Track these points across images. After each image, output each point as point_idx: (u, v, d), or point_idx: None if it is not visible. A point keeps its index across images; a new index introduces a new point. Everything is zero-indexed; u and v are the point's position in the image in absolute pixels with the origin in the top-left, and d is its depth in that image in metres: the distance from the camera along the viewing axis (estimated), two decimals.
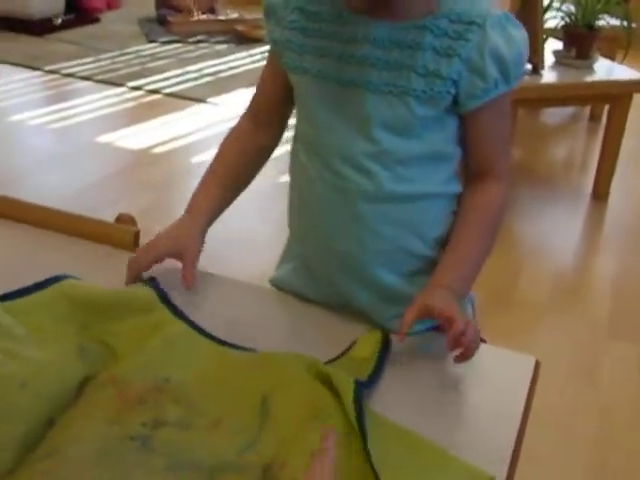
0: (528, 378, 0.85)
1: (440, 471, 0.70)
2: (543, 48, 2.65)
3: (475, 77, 0.85)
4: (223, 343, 0.84)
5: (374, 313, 0.92)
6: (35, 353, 0.77)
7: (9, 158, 2.99)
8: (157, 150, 3.13)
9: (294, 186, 0.99)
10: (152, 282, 0.91)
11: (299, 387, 0.77)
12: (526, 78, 2.64)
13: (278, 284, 1.03)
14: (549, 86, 2.69)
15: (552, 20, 2.95)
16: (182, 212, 1.00)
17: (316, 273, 0.97)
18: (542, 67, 2.65)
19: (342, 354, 0.84)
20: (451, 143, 0.91)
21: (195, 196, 1.00)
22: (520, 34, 0.87)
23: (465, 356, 0.83)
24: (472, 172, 0.93)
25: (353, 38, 0.87)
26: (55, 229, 1.07)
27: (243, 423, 0.73)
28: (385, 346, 0.85)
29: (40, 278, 0.90)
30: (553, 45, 2.92)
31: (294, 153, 0.98)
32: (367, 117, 0.87)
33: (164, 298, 0.88)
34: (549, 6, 2.86)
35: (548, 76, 2.71)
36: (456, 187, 0.94)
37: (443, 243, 0.93)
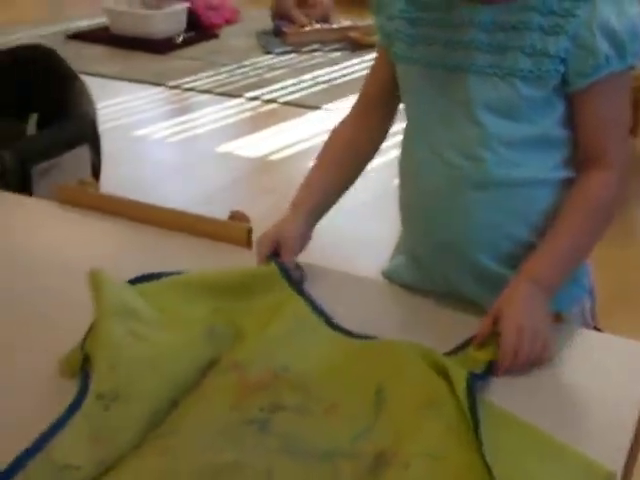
0: None
1: (556, 463, 0.68)
2: None
3: (584, 53, 0.81)
4: (341, 329, 0.85)
5: (484, 303, 0.90)
6: (165, 336, 0.81)
7: (135, 170, 3.13)
8: (274, 157, 3.20)
9: (403, 180, 0.98)
10: (275, 259, 0.92)
11: (414, 376, 0.77)
12: None
13: (390, 276, 1.03)
14: None
15: None
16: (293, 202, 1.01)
17: (425, 264, 0.96)
18: None
19: (458, 348, 0.83)
20: (561, 127, 0.87)
21: (299, 191, 1.01)
22: (634, 7, 0.82)
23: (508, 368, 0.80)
24: (581, 159, 0.89)
25: (459, 24, 0.86)
26: (173, 228, 1.12)
27: (358, 411, 0.74)
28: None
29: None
30: None
31: (403, 147, 0.98)
32: (473, 101, 0.86)
33: (286, 275, 0.90)
34: None
35: None
36: (567, 174, 0.90)
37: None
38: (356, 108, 1.03)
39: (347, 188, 1.03)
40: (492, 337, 0.83)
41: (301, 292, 0.89)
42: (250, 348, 0.81)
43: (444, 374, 0.76)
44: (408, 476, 0.65)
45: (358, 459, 0.68)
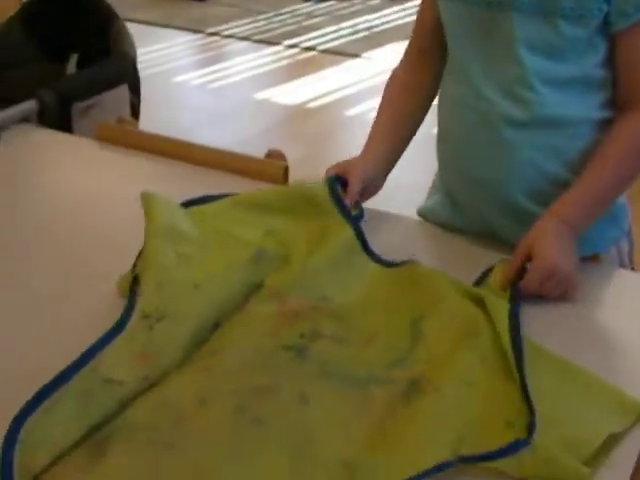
0: None
1: (592, 397, 0.69)
2: None
3: None
4: (382, 262, 0.87)
5: (518, 241, 0.90)
6: (212, 258, 0.82)
7: (174, 116, 3.15)
8: (312, 105, 3.19)
9: (441, 117, 0.97)
10: (331, 180, 0.92)
11: (451, 307, 0.78)
12: None
13: (425, 215, 1.03)
14: None
15: None
16: (336, 162, 0.99)
17: (460, 202, 0.96)
18: None
19: (480, 280, 0.84)
20: (603, 67, 0.86)
21: (367, 140, 1.00)
22: None
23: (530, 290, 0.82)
24: (622, 100, 0.87)
25: None
26: (212, 166, 1.12)
27: (396, 341, 0.75)
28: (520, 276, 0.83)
29: None
30: None
31: (443, 85, 0.97)
32: (514, 39, 0.84)
33: (337, 200, 0.90)
34: None
35: None
36: (607, 114, 0.88)
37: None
38: (409, 53, 1.02)
39: (414, 131, 1.02)
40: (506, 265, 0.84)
41: (350, 220, 0.89)
42: (293, 276, 0.82)
43: (480, 304, 0.77)
44: (440, 401, 0.66)
45: (392, 385, 0.69)
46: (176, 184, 1.09)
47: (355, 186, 0.92)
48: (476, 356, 0.71)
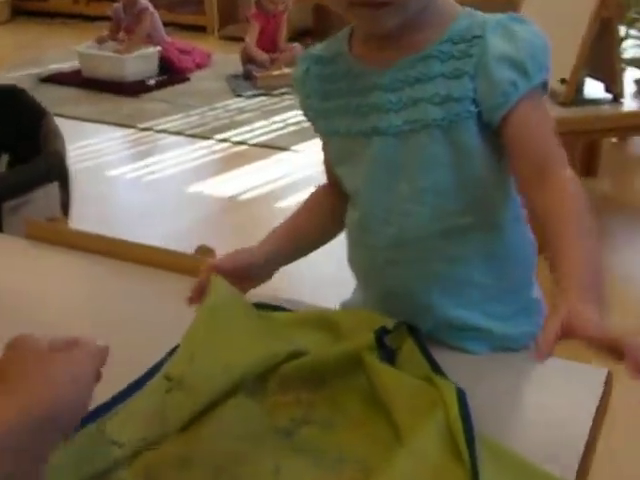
0: (599, 390, 0.84)
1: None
2: (622, 77, 2.62)
3: (489, 87, 0.82)
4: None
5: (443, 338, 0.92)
6: (252, 346, 0.84)
7: (106, 211, 3.16)
8: (244, 197, 3.25)
9: (348, 241, 1.00)
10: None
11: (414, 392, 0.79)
12: (606, 107, 2.62)
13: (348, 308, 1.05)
14: (630, 114, 2.65)
15: (631, 49, 2.92)
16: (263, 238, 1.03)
17: (380, 309, 0.95)
18: (622, 96, 2.62)
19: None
20: (494, 167, 0.87)
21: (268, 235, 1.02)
22: (526, 28, 0.83)
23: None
24: (531, 177, 0.82)
25: (366, 89, 0.88)
26: (142, 262, 1.14)
27: (379, 431, 0.77)
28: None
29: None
30: (634, 74, 2.88)
31: (348, 213, 0.98)
32: (398, 161, 0.87)
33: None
34: (627, 35, 2.84)
35: (629, 104, 2.67)
36: (517, 205, 0.91)
37: (500, 269, 0.91)
38: (325, 176, 1.04)
39: (308, 249, 1.04)
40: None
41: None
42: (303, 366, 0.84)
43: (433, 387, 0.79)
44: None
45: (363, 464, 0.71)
46: (107, 282, 1.11)
47: (224, 260, 0.95)
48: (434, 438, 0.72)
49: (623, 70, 2.65)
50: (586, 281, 0.72)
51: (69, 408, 0.56)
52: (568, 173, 0.82)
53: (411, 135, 0.86)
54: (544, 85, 0.85)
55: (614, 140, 3.71)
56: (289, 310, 0.97)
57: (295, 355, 0.85)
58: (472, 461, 0.69)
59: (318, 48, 0.97)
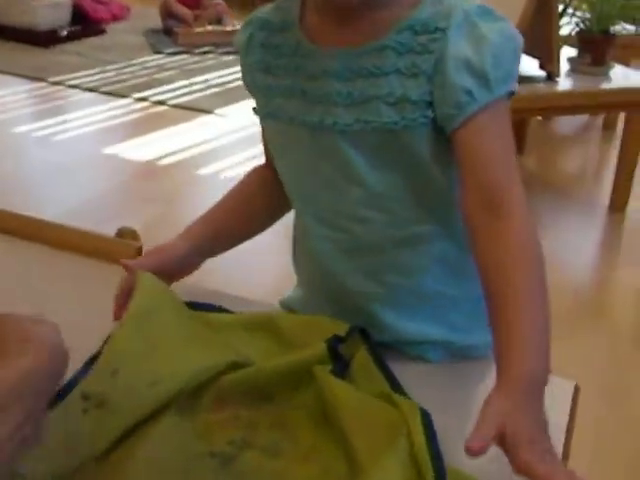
0: (568, 403, 0.79)
1: None
2: (559, 55, 2.58)
3: (446, 93, 0.71)
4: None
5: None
6: (183, 354, 0.75)
7: (14, 169, 2.95)
8: (163, 162, 3.07)
9: (294, 239, 0.92)
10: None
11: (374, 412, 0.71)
12: (541, 86, 2.58)
13: (288, 307, 0.95)
14: (565, 94, 2.62)
15: (567, 26, 2.88)
16: (187, 223, 0.93)
17: (322, 311, 0.87)
18: (557, 75, 2.59)
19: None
20: (452, 176, 0.76)
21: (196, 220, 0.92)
22: (496, 27, 0.71)
23: None
24: (476, 211, 0.72)
25: (313, 72, 0.77)
26: (58, 246, 1.01)
27: (332, 462, 0.68)
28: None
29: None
30: (568, 52, 2.85)
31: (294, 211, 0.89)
32: (349, 161, 0.76)
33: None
34: (564, 12, 2.80)
35: (563, 84, 2.64)
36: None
37: (458, 278, 0.83)
38: (265, 155, 0.93)
39: (249, 234, 0.94)
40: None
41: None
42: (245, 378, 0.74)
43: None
44: None
45: None
46: (19, 265, 0.98)
47: (147, 260, 0.86)
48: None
49: (560, 47, 2.61)
50: (528, 367, 0.64)
51: (57, 370, 0.58)
52: (520, 212, 0.70)
53: (362, 135, 0.75)
54: (510, 95, 0.74)
55: (539, 118, 3.71)
56: (230, 312, 0.85)
57: (236, 366, 0.75)
58: None
59: (265, 10, 0.84)
